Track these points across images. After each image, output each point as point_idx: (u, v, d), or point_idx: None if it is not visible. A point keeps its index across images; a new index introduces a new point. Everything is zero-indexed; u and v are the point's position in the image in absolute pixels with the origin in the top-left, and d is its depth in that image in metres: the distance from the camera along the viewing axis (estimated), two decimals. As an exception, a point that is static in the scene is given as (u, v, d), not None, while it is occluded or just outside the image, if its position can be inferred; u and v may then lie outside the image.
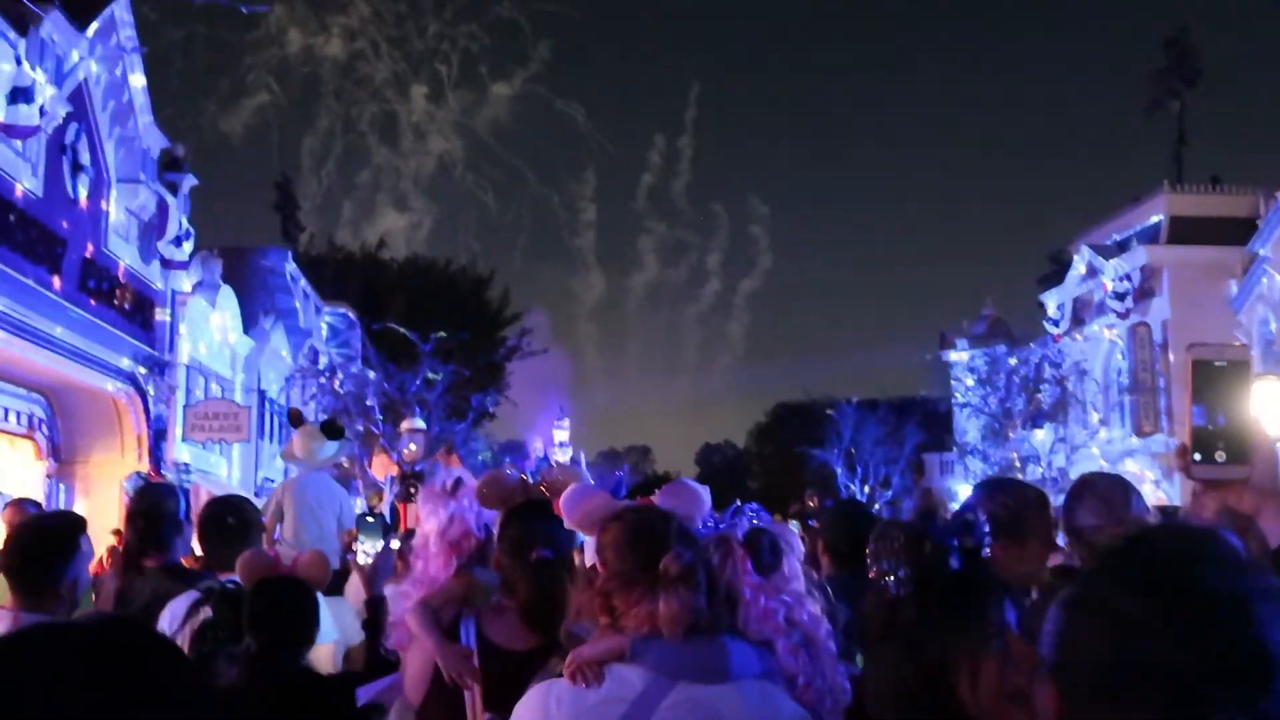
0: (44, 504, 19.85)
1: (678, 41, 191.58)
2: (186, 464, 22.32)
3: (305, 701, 3.46)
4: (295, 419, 9.42)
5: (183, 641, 4.10)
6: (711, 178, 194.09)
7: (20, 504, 12.57)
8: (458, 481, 3.41)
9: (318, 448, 6.92)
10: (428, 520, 3.40)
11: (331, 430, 7.10)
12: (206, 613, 3.95)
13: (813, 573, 2.59)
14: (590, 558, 2.49)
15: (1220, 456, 1.80)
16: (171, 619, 4.27)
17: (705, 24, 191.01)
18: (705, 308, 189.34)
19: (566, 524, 2.53)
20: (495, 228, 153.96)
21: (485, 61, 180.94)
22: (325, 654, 4.52)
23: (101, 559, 12.77)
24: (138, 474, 18.64)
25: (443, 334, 29.55)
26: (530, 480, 3.16)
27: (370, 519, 4.66)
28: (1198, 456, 1.81)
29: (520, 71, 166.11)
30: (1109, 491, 3.45)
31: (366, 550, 4.35)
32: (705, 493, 2.61)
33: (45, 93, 15.83)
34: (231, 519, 4.47)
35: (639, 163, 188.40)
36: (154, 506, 4.58)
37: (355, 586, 4.99)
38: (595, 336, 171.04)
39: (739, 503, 2.69)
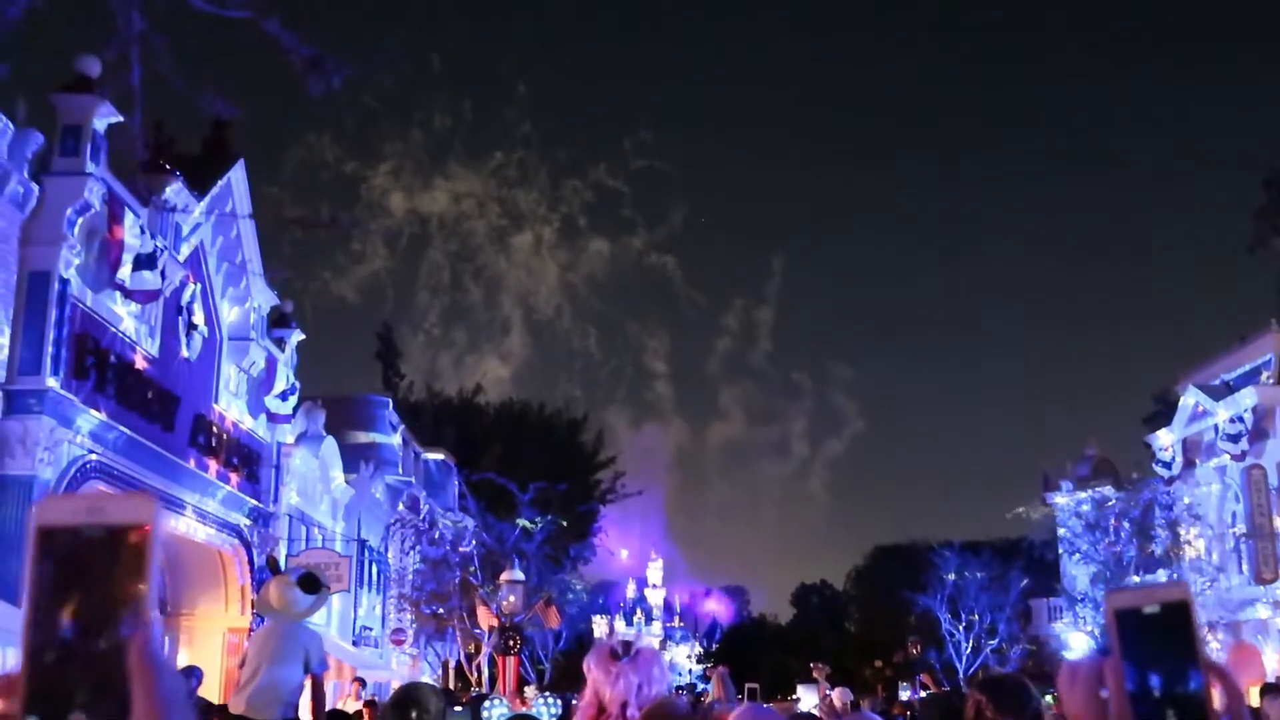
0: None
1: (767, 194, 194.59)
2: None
3: None
4: (273, 566, 9.31)
5: None
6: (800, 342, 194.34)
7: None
8: (628, 645, 3.37)
9: (294, 601, 6.66)
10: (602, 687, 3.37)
11: (309, 584, 6.83)
12: None
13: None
14: None
15: None
16: None
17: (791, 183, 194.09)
18: (800, 456, 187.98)
19: None
20: (590, 376, 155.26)
21: (585, 217, 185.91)
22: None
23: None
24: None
25: (541, 484, 29.59)
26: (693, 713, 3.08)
27: (460, 708, 4.51)
28: None
29: (616, 230, 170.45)
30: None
31: None
32: None
33: (164, 258, 16.46)
34: (414, 712, 4.43)
35: (723, 324, 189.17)
36: None
37: None
38: (686, 482, 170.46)
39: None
